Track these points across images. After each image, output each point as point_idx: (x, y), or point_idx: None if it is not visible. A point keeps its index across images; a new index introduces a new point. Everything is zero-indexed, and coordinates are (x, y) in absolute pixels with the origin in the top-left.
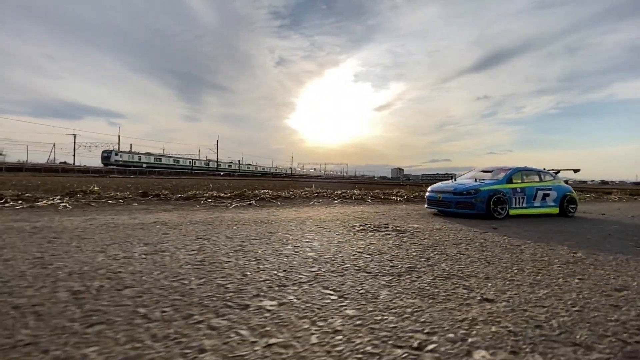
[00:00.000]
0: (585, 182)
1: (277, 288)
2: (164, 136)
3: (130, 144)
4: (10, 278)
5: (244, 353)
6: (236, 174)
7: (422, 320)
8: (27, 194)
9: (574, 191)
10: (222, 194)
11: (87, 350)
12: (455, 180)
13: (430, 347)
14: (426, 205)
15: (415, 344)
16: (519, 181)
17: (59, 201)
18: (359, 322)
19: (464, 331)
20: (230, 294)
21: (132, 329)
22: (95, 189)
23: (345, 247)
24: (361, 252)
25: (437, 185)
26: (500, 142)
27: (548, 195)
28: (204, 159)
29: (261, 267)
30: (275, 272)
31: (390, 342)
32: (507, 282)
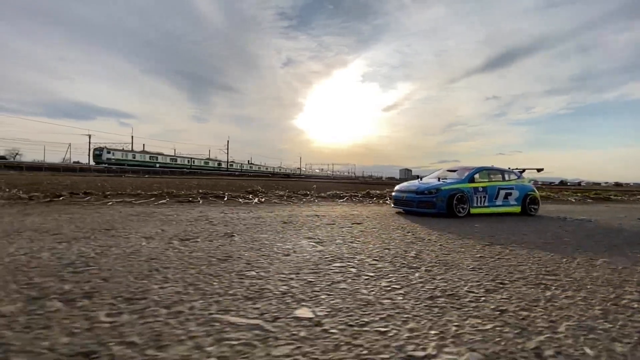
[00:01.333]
0: (599, 183)
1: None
2: (173, 136)
3: (143, 144)
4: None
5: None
6: (250, 174)
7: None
8: (217, 192)
9: (536, 190)
10: (357, 193)
11: None
12: (421, 180)
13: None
14: (392, 205)
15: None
16: (482, 180)
17: (249, 198)
18: None
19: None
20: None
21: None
22: (260, 188)
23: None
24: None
25: (403, 185)
26: (509, 142)
27: (510, 194)
28: (204, 158)
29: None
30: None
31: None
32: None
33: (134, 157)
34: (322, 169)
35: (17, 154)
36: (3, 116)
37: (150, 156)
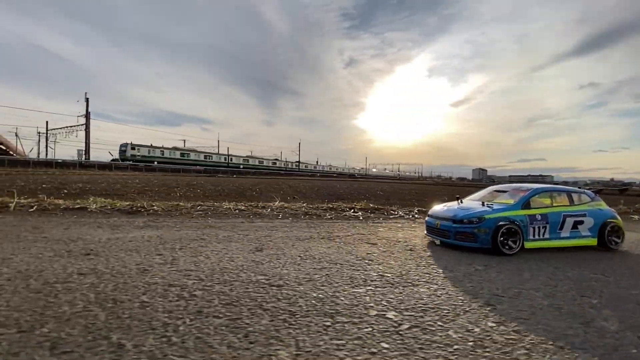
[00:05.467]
0: None
1: None
2: (246, 139)
3: (228, 147)
4: None
5: None
6: (318, 174)
7: None
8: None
9: (618, 217)
10: None
11: None
12: (461, 202)
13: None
14: (425, 232)
15: None
16: (543, 204)
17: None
18: None
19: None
20: None
21: None
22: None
23: None
24: None
25: (438, 208)
26: (612, 137)
27: (581, 222)
28: (244, 156)
29: None
30: None
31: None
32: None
33: (162, 154)
34: (386, 169)
35: None
36: (114, 124)
37: (181, 153)
